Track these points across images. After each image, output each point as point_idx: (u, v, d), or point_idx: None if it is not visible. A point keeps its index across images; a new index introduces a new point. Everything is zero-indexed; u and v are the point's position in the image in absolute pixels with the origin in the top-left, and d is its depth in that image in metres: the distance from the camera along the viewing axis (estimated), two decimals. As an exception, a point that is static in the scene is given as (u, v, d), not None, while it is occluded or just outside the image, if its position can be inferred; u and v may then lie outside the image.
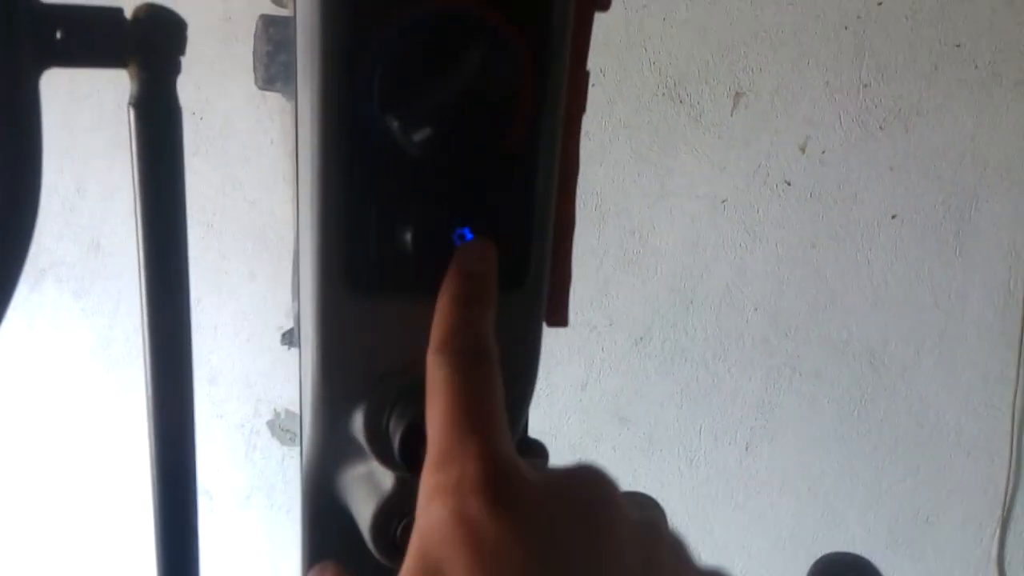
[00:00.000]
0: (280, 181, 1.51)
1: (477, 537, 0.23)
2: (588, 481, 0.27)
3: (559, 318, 0.36)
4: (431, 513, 0.25)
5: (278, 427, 1.69)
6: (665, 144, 1.33)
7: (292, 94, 0.33)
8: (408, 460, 0.31)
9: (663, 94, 1.33)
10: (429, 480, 0.26)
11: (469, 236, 0.31)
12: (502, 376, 0.29)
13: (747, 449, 1.38)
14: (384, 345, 0.33)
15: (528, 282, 0.34)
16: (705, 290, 1.36)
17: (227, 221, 1.69)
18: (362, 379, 0.33)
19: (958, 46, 1.22)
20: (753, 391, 1.36)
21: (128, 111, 0.33)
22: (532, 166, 0.32)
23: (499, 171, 0.31)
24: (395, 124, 0.29)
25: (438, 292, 0.30)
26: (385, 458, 0.33)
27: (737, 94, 1.30)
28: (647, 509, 0.29)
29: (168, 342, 0.35)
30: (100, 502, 1.88)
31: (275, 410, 1.69)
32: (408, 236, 0.30)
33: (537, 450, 0.40)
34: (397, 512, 0.34)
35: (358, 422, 0.33)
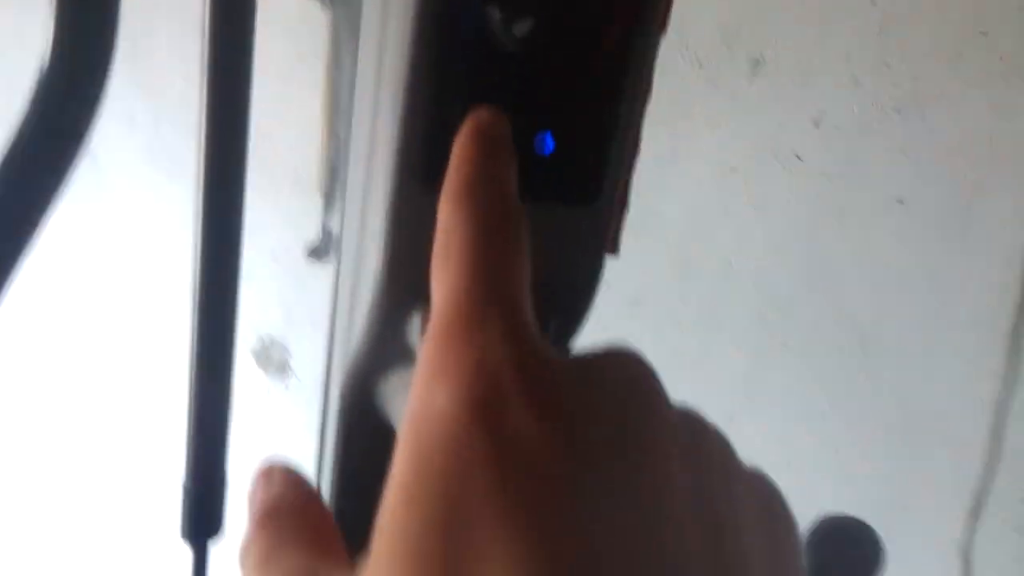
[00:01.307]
0: (305, 100, 1.49)
1: (501, 437, 0.18)
2: (626, 366, 0.22)
3: (613, 246, 0.36)
4: (434, 400, 0.19)
5: (263, 356, 1.69)
6: (680, 107, 1.32)
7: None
8: None
9: (682, 56, 1.31)
10: (434, 354, 0.20)
11: (550, 141, 0.31)
12: (559, 298, 0.28)
13: (730, 420, 1.39)
14: None
15: (600, 200, 0.34)
16: (704, 258, 1.35)
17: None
18: (425, 278, 0.33)
19: (984, 34, 1.21)
20: (741, 363, 1.37)
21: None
22: (621, 79, 0.32)
23: (588, 80, 0.31)
24: (496, 14, 0.28)
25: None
26: None
27: (756, 62, 1.28)
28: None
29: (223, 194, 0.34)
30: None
31: (260, 338, 1.68)
32: None
33: None
34: None
35: (415, 323, 0.33)
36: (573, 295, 0.34)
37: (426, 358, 0.20)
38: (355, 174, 0.37)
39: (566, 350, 0.38)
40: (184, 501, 0.38)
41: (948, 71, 1.22)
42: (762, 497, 0.23)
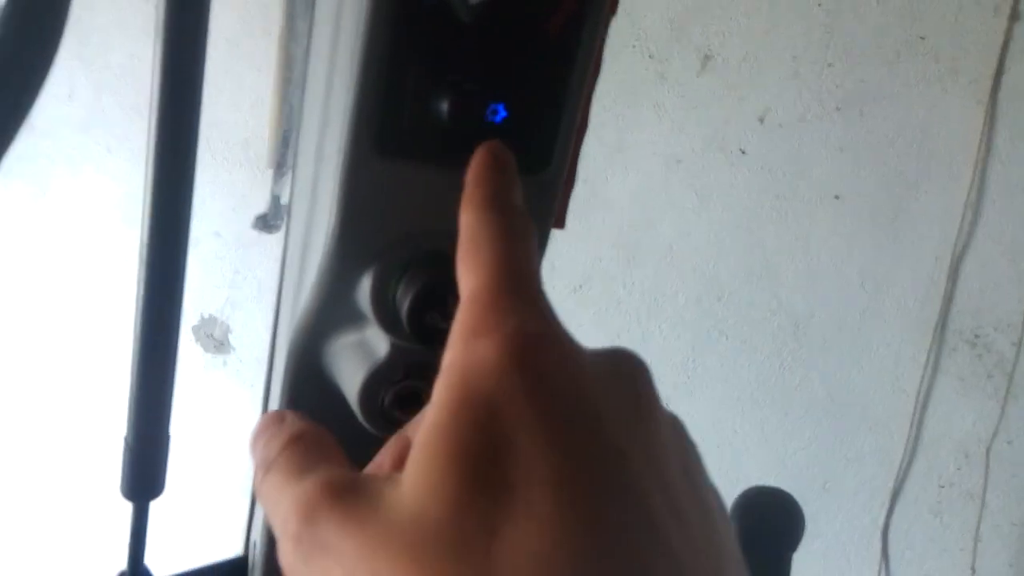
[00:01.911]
0: (247, 72, 1.47)
1: (540, 374, 0.21)
2: (635, 364, 0.25)
3: (560, 220, 0.37)
4: (476, 350, 0.22)
5: (203, 333, 1.67)
6: (629, 98, 1.34)
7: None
8: (415, 324, 0.33)
9: (633, 47, 1.33)
10: (474, 318, 0.23)
11: (502, 112, 0.32)
12: None
13: (667, 403, 1.43)
14: (403, 211, 0.33)
15: (549, 170, 0.35)
16: (648, 246, 1.38)
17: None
18: (377, 243, 0.34)
19: (922, 39, 1.25)
20: (680, 349, 1.40)
21: None
22: (571, 53, 0.33)
23: (540, 53, 0.32)
24: None
25: (465, 163, 0.30)
26: (388, 323, 0.34)
27: (706, 56, 1.31)
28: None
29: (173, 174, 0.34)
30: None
31: (201, 315, 1.67)
32: (443, 105, 0.31)
33: None
34: (388, 379, 0.35)
35: (365, 286, 0.34)
36: None
37: (464, 321, 0.23)
38: (307, 143, 0.38)
39: None
40: (126, 460, 0.39)
41: (887, 72, 1.26)
42: (717, 504, 0.26)
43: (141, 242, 0.37)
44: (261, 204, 1.49)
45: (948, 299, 1.29)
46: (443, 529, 0.19)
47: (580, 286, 1.42)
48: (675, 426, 0.26)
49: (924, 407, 1.32)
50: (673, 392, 1.42)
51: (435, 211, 0.33)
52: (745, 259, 1.35)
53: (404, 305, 0.33)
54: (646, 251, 1.39)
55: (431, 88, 0.31)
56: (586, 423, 0.21)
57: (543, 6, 0.31)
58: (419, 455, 0.21)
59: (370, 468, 0.28)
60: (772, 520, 0.55)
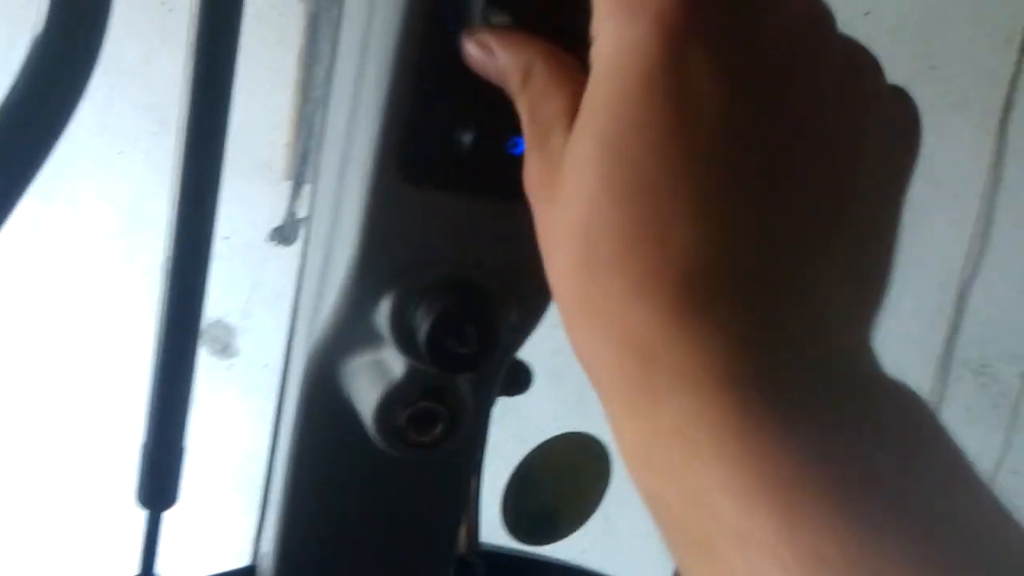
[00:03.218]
0: (260, 82, 1.47)
1: (685, 68, 0.21)
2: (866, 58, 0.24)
3: None
4: (627, 34, 0.21)
5: (208, 336, 1.67)
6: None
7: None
8: (433, 350, 0.33)
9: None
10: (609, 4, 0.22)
11: (522, 143, 0.32)
12: (524, 288, 0.32)
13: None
14: (425, 237, 0.34)
15: None
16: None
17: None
18: (398, 268, 0.34)
19: (933, 67, 1.26)
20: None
21: None
22: None
23: None
24: (479, 8, 0.29)
25: (486, 193, 0.31)
26: (405, 346, 0.34)
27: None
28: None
29: (202, 185, 0.34)
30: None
31: (207, 318, 1.67)
32: (467, 136, 0.31)
33: (524, 371, 0.41)
34: (403, 400, 0.36)
35: (384, 309, 0.34)
36: (537, 287, 0.36)
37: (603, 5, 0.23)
38: (329, 161, 0.38)
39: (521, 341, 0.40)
40: (142, 469, 0.39)
41: (898, 100, 1.26)
42: (900, 113, 0.26)
43: (164, 252, 0.37)
44: (269, 208, 1.49)
45: (954, 328, 1.29)
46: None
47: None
48: (846, 48, 0.25)
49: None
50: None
51: (456, 238, 0.34)
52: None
53: (422, 330, 0.33)
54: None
55: (456, 118, 0.31)
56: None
57: (568, 41, 0.32)
58: (589, 108, 0.23)
59: None
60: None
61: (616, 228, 0.22)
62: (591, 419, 1.38)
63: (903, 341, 1.30)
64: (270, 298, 1.62)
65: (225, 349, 1.69)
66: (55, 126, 0.28)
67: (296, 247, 1.50)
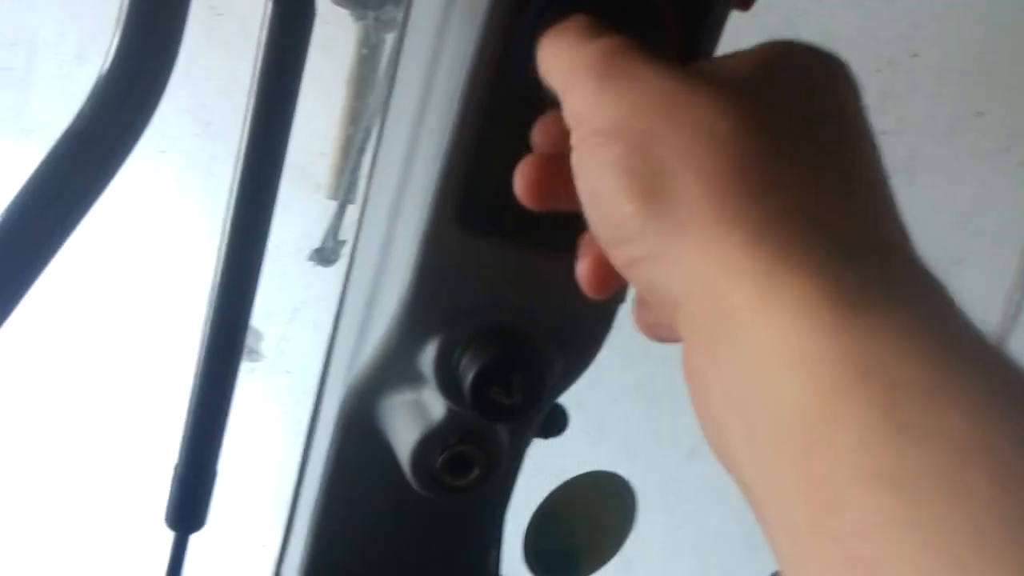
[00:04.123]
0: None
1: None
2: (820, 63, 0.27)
3: (623, 295, 0.37)
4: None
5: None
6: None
7: (384, 23, 0.33)
8: (477, 397, 0.33)
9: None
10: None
11: None
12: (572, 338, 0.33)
13: (689, 457, 1.41)
14: (477, 284, 0.34)
15: None
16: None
17: (226, 123, 1.67)
18: (447, 312, 0.34)
19: (979, 114, 1.24)
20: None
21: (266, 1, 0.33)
22: None
23: None
24: None
25: (540, 244, 0.32)
26: (449, 390, 0.34)
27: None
28: None
29: (255, 209, 0.35)
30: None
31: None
32: None
33: (561, 415, 0.41)
34: (441, 442, 0.36)
35: (430, 352, 0.34)
36: (586, 337, 0.36)
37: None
38: (383, 197, 0.38)
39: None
40: (173, 491, 0.39)
41: (941, 144, 1.25)
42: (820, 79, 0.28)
43: (212, 282, 0.38)
44: (301, 220, 1.50)
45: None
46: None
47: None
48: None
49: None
50: (696, 445, 1.40)
51: (507, 286, 0.34)
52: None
53: (468, 377, 0.33)
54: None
55: (514, 168, 0.31)
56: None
57: None
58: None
59: None
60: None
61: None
62: (602, 451, 1.38)
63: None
64: (302, 307, 1.63)
65: (250, 352, 1.70)
66: (115, 159, 0.29)
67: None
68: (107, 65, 0.28)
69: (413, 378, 0.36)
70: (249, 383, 1.70)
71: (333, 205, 1.27)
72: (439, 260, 0.33)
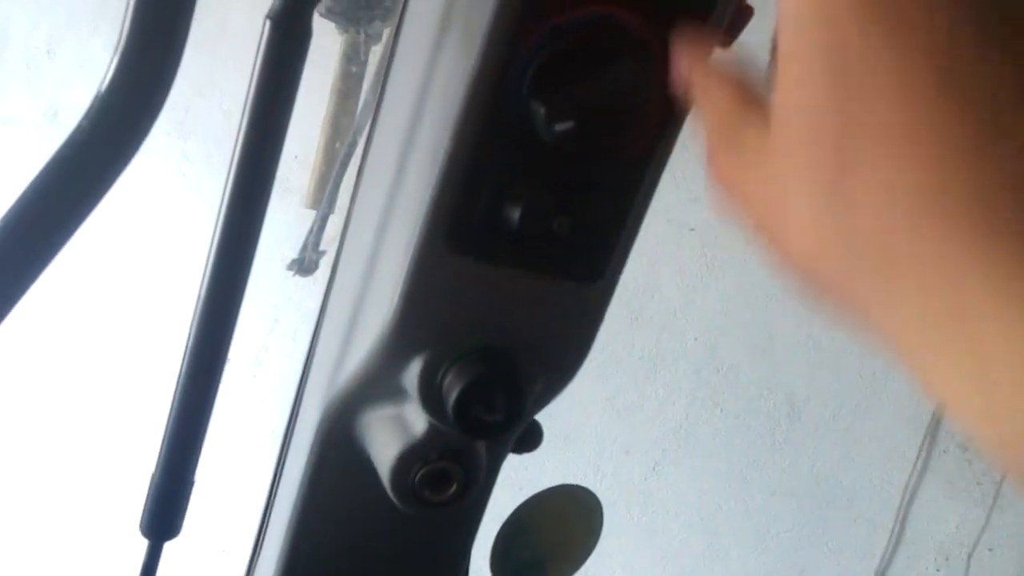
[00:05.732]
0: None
1: None
2: None
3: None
4: None
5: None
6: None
7: (373, 36, 0.33)
8: (460, 415, 0.33)
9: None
10: None
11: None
12: (554, 359, 0.33)
13: (654, 468, 1.43)
14: (463, 305, 0.34)
15: (600, 282, 0.36)
16: (652, 310, 1.39)
17: (198, 123, 1.65)
18: (432, 332, 0.35)
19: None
20: (674, 416, 1.40)
21: (264, 23, 0.33)
22: (642, 172, 0.34)
23: (612, 172, 0.34)
24: (541, 111, 0.30)
25: (527, 267, 0.33)
26: (431, 407, 0.35)
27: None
28: None
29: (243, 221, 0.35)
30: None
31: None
32: (515, 213, 0.32)
33: (536, 431, 0.42)
34: (422, 457, 0.36)
35: (414, 369, 0.35)
36: (567, 358, 0.37)
37: None
38: (368, 214, 0.38)
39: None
40: (150, 499, 0.39)
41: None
42: None
43: (197, 299, 0.38)
44: (279, 226, 1.50)
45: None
46: None
47: (581, 341, 1.42)
48: None
49: (910, 505, 1.33)
50: (661, 458, 1.42)
51: (493, 308, 0.35)
52: (748, 333, 1.36)
53: (452, 395, 0.34)
54: (651, 314, 1.40)
55: (505, 195, 0.32)
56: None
57: (623, 136, 0.33)
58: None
59: None
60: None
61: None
62: (569, 461, 1.38)
63: (893, 408, 1.31)
64: (272, 313, 1.62)
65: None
66: (108, 176, 0.29)
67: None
68: (106, 82, 0.28)
69: (395, 393, 0.37)
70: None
71: (307, 212, 1.27)
72: (427, 280, 0.33)
